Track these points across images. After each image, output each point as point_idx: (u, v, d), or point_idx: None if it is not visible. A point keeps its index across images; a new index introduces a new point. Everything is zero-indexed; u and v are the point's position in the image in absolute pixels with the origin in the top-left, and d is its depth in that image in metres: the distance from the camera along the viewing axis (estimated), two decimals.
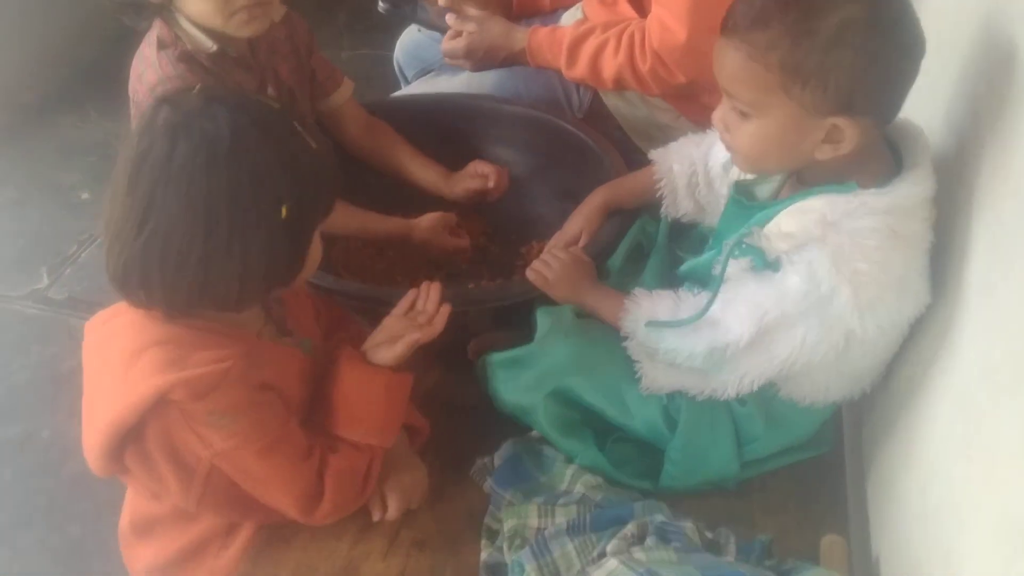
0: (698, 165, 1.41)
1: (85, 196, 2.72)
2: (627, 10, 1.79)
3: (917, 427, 1.18)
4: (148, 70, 1.41)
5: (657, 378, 1.26)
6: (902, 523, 1.18)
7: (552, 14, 2.02)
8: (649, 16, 1.63)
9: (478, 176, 1.72)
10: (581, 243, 1.47)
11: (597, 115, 1.87)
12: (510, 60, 1.81)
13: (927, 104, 1.37)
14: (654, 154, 1.47)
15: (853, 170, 1.12)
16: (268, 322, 1.21)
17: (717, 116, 1.15)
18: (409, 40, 2.09)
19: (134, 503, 1.26)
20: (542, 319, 1.36)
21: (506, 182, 1.73)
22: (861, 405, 1.43)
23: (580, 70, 1.70)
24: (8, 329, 2.29)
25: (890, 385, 1.30)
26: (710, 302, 1.17)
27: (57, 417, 2.02)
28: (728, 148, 1.18)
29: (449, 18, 1.80)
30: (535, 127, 1.73)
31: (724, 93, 1.13)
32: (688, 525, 1.17)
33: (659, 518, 1.18)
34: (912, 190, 1.10)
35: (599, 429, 1.33)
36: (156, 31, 1.42)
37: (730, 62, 1.09)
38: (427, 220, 1.62)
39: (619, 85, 1.70)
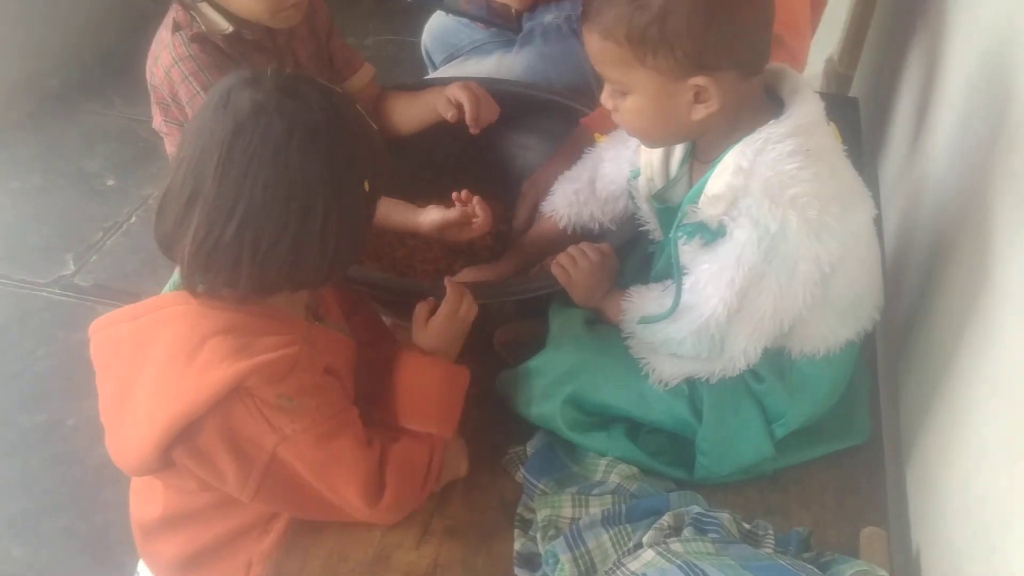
0: (588, 198, 1.45)
1: (110, 183, 2.72)
2: None
3: (958, 418, 1.17)
4: (163, 52, 1.41)
5: (664, 370, 1.26)
6: (943, 516, 1.16)
7: None
8: None
9: (451, 106, 1.57)
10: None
11: None
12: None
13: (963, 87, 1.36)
14: (544, 207, 1.50)
15: (741, 127, 1.14)
16: (305, 308, 1.21)
17: (605, 98, 1.18)
18: (437, 25, 2.07)
19: (168, 497, 1.24)
20: (552, 322, 1.37)
21: (490, 111, 1.58)
22: (899, 394, 1.42)
23: None
24: (34, 316, 2.30)
25: (930, 375, 1.28)
26: (677, 291, 1.19)
27: (83, 404, 2.02)
28: (622, 126, 1.22)
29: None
30: (560, 114, 1.71)
31: (601, 76, 1.16)
32: (725, 516, 1.16)
33: (695, 509, 1.17)
34: (803, 109, 1.13)
35: (630, 423, 1.31)
36: (172, 14, 1.42)
37: (591, 45, 1.13)
38: (428, 222, 1.49)
39: None
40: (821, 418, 1.30)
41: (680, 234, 1.17)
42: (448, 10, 1.91)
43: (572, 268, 1.34)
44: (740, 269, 1.12)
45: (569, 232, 1.47)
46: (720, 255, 1.13)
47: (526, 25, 1.97)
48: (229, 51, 1.42)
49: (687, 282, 1.18)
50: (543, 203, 1.51)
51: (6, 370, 2.17)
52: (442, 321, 1.28)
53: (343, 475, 1.14)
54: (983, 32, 1.32)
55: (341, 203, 1.05)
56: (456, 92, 1.56)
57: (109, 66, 3.08)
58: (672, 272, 1.21)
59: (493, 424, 1.36)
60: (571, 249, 1.36)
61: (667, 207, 1.28)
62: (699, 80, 1.09)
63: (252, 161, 1.01)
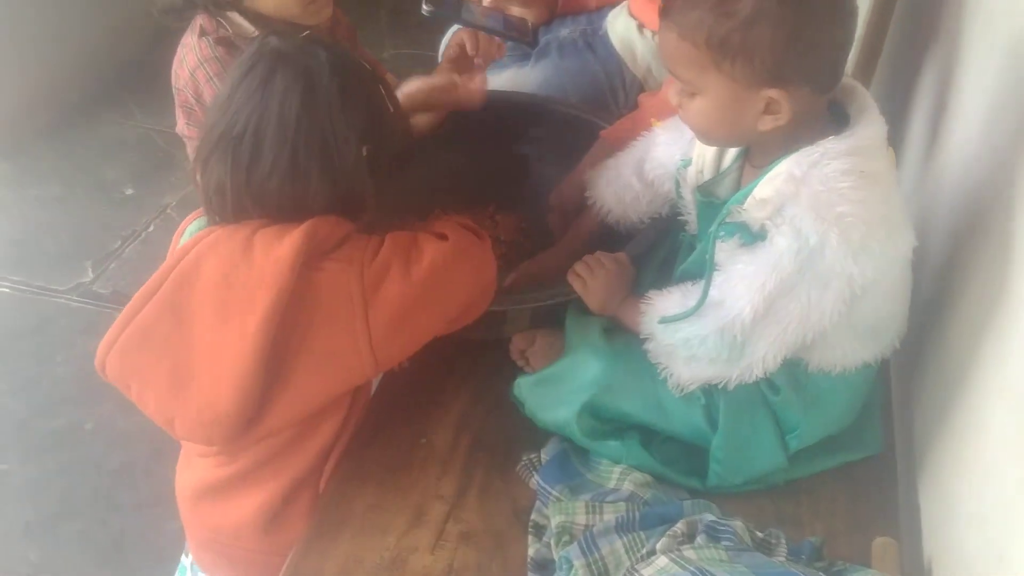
0: (631, 180, 1.46)
1: (129, 192, 2.75)
2: None
3: (970, 428, 1.17)
4: (189, 55, 1.45)
5: (682, 374, 1.26)
6: (955, 526, 1.17)
7: (597, 12, 2.02)
8: None
9: (457, 47, 1.63)
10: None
11: None
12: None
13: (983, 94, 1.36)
14: (588, 179, 1.52)
15: (802, 138, 1.14)
16: None
17: (672, 94, 1.19)
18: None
19: (234, 456, 1.27)
20: (570, 331, 1.37)
21: (495, 48, 1.64)
22: (912, 405, 1.42)
23: None
24: (53, 322, 2.32)
25: (944, 385, 1.29)
26: (706, 285, 1.19)
27: (101, 409, 2.05)
28: (685, 123, 1.22)
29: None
30: (576, 127, 1.72)
31: (670, 74, 1.17)
32: (738, 524, 1.16)
33: (709, 517, 1.17)
34: (866, 131, 1.13)
35: (645, 431, 1.32)
36: (198, 20, 1.46)
37: (666, 43, 1.13)
38: (412, 90, 1.56)
39: None
40: None
41: (720, 231, 1.17)
42: (465, 23, 1.92)
43: (588, 276, 1.35)
44: (774, 275, 1.12)
45: (603, 216, 1.49)
46: (757, 258, 1.14)
47: (543, 39, 1.99)
48: None
49: (717, 278, 1.18)
50: (587, 183, 1.52)
51: (25, 376, 2.20)
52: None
53: (429, 248, 1.20)
54: (1001, 45, 1.32)
55: (332, 154, 1.15)
56: (457, 35, 1.62)
57: (129, 77, 3.12)
58: (700, 270, 1.22)
59: (507, 431, 1.37)
60: (587, 258, 1.37)
61: (710, 201, 1.28)
62: (773, 93, 1.10)
63: (255, 93, 1.13)
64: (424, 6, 1.80)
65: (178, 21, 1.47)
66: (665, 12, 1.12)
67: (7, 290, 2.42)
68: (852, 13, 1.12)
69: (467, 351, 1.45)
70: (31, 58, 2.93)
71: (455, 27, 2.08)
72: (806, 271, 1.11)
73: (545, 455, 1.33)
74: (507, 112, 1.76)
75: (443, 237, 1.23)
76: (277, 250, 1.11)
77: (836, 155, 1.10)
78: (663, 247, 1.45)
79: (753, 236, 1.15)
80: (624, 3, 1.97)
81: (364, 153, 1.17)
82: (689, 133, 1.34)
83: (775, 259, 1.12)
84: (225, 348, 1.11)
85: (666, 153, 1.42)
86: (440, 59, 2.11)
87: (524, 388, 1.36)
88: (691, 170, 1.33)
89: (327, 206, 1.17)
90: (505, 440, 1.36)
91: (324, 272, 1.14)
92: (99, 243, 2.55)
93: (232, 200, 1.16)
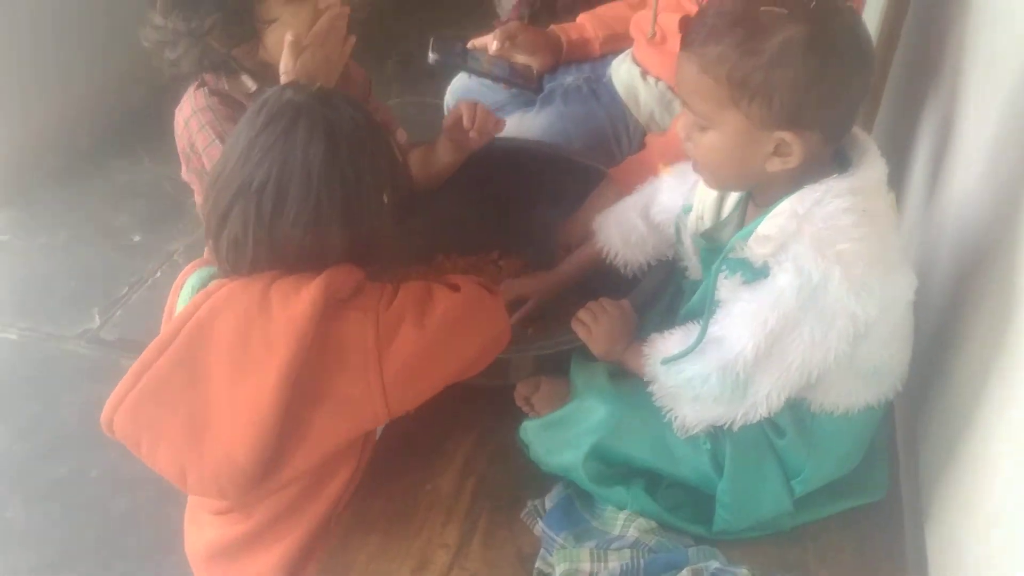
0: (637, 222, 1.47)
1: (136, 239, 2.77)
2: (676, 48, 1.81)
3: (976, 472, 1.17)
4: (185, 104, 1.49)
5: (687, 416, 1.25)
6: (962, 570, 1.16)
7: (601, 59, 2.04)
8: None
9: (456, 120, 1.63)
10: (521, 313, 1.56)
11: None
12: None
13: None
14: (595, 221, 1.53)
15: (805, 181, 1.14)
16: None
17: (681, 126, 1.19)
18: (460, 86, 2.11)
19: (250, 510, 1.27)
20: (575, 376, 1.38)
21: (492, 124, 1.64)
22: (918, 449, 1.41)
23: None
24: (60, 368, 2.33)
25: (948, 428, 1.28)
26: (705, 322, 1.19)
27: (106, 455, 2.04)
28: (691, 158, 1.22)
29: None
30: (579, 173, 1.73)
31: (683, 105, 1.17)
32: (744, 572, 1.16)
33: (714, 564, 1.17)
34: (868, 172, 1.14)
35: (650, 477, 1.32)
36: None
37: (685, 74, 1.14)
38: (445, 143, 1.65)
39: None
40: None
41: (723, 267, 1.17)
42: (472, 71, 1.94)
43: (592, 323, 1.36)
44: (776, 312, 1.12)
45: (610, 259, 1.50)
46: (759, 295, 1.14)
47: (547, 86, 2.01)
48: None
49: (719, 316, 1.18)
50: (594, 225, 1.53)
51: (31, 421, 2.20)
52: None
53: (442, 298, 1.20)
54: (1004, 87, 1.33)
55: (354, 203, 1.17)
56: (456, 107, 1.63)
57: (138, 124, 3.15)
58: (703, 310, 1.22)
59: (512, 477, 1.37)
60: (591, 305, 1.38)
61: (710, 249, 1.29)
62: (786, 135, 1.10)
63: (275, 143, 1.14)
64: (430, 54, 1.82)
65: (188, 77, 1.50)
66: (688, 43, 1.12)
67: (15, 337, 2.43)
68: (871, 65, 1.13)
69: (471, 397, 1.45)
70: (41, 104, 2.97)
71: (459, 76, 2.12)
72: (809, 308, 1.11)
73: (549, 501, 1.32)
74: (511, 158, 1.78)
75: (455, 288, 1.24)
76: (296, 305, 1.12)
77: (838, 193, 1.11)
78: (667, 292, 1.46)
79: (755, 273, 1.15)
80: (628, 50, 1.99)
81: (385, 200, 1.20)
82: (692, 178, 1.34)
83: (777, 296, 1.12)
84: (243, 401, 1.12)
85: (671, 198, 1.43)
86: (445, 110, 2.15)
87: (531, 431, 1.36)
88: (692, 216, 1.34)
89: (344, 254, 1.19)
90: (509, 486, 1.36)
91: (339, 320, 1.15)
92: (106, 289, 2.57)
93: (251, 252, 1.17)
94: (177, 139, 1.52)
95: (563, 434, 1.32)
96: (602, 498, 1.32)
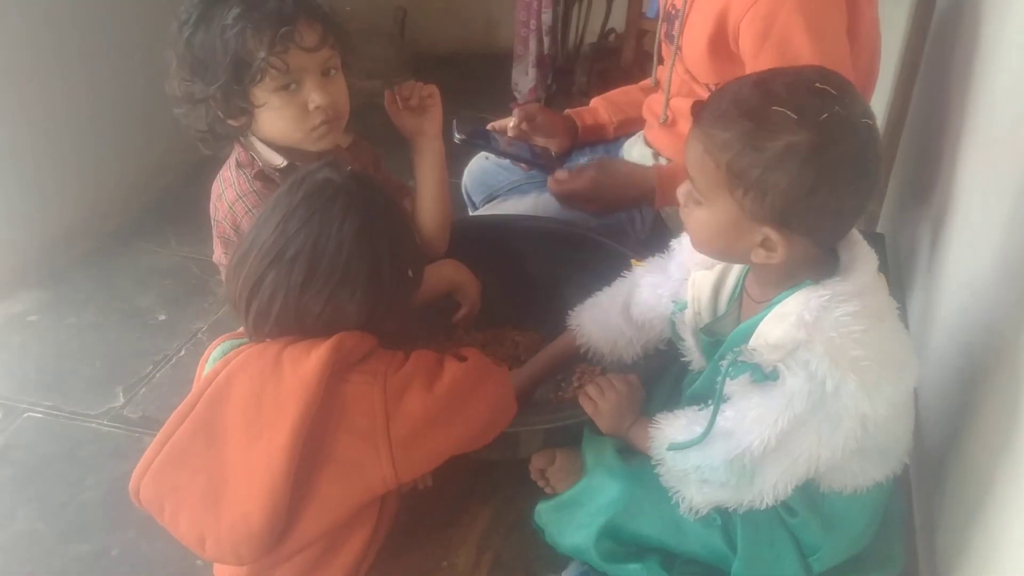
0: (622, 326, 1.48)
1: (161, 317, 2.80)
2: (687, 129, 1.85)
3: (996, 547, 1.16)
4: (228, 189, 1.51)
5: (694, 498, 1.26)
6: None
7: (615, 141, 2.09)
8: None
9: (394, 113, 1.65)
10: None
11: (659, 236, 1.91)
12: (638, 202, 1.85)
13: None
14: (571, 318, 1.55)
15: (797, 276, 1.16)
16: None
17: (680, 193, 1.20)
18: (476, 167, 2.16)
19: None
20: (586, 451, 1.39)
21: (419, 89, 1.64)
22: (935, 525, 1.41)
23: None
24: (83, 446, 2.35)
25: (966, 504, 1.28)
26: (713, 416, 1.19)
27: (127, 535, 2.05)
28: (684, 223, 1.23)
29: (561, 174, 1.84)
30: (595, 249, 1.76)
31: (687, 173, 1.18)
32: None
33: None
34: (866, 267, 1.15)
35: (665, 553, 1.32)
36: (235, 155, 1.52)
37: (691, 149, 1.15)
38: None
39: None
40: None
41: (730, 371, 1.17)
42: (494, 152, 1.99)
43: (599, 399, 1.37)
44: (786, 414, 1.12)
45: (600, 363, 1.51)
46: (770, 398, 1.14)
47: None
48: None
49: (727, 410, 1.19)
50: (570, 322, 1.54)
51: (54, 500, 2.21)
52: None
53: (451, 367, 1.24)
54: (1011, 171, 1.36)
55: (379, 276, 1.22)
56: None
57: (166, 207, 3.22)
58: (708, 393, 1.22)
59: (528, 551, 1.37)
60: (599, 380, 1.39)
61: (713, 342, 1.30)
62: (773, 233, 1.11)
63: (312, 217, 1.20)
64: (456, 135, 1.88)
65: (213, 149, 1.53)
66: (699, 120, 1.14)
67: (40, 415, 2.45)
68: (872, 188, 1.12)
69: (486, 471, 1.46)
70: (72, 189, 3.04)
71: (480, 154, 2.16)
72: (818, 411, 1.12)
73: None
74: (528, 234, 1.82)
75: (463, 359, 1.26)
76: (304, 365, 1.16)
77: (846, 297, 1.12)
78: (675, 365, 1.47)
79: (764, 376, 1.15)
80: (640, 132, 2.04)
81: (410, 275, 1.27)
82: (676, 275, 1.36)
83: (788, 400, 1.12)
84: (256, 463, 1.14)
85: (653, 295, 1.43)
86: (463, 192, 2.20)
87: (544, 515, 1.37)
88: (688, 313, 1.34)
89: (361, 323, 1.23)
90: (526, 561, 1.36)
91: (349, 384, 1.18)
92: (131, 368, 2.59)
93: (276, 317, 1.22)
94: (216, 223, 1.54)
95: (574, 515, 1.33)
96: (617, 575, 1.31)
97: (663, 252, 1.46)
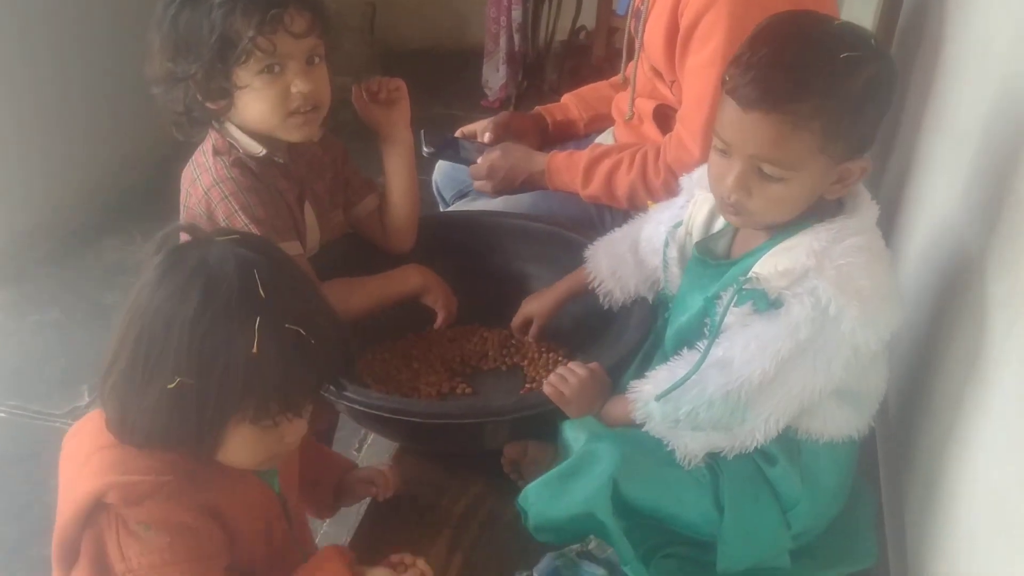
0: (626, 255, 1.52)
1: None
2: (651, 130, 1.87)
3: (959, 539, 1.17)
4: (204, 175, 1.48)
5: (688, 445, 1.26)
6: None
7: (585, 138, 2.09)
8: (670, 133, 1.76)
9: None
10: (533, 331, 1.65)
11: None
12: (529, 182, 1.94)
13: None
14: (588, 249, 1.59)
15: (806, 214, 1.20)
16: None
17: (734, 183, 1.18)
18: (447, 164, 2.16)
19: None
20: (573, 432, 1.35)
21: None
22: (904, 515, 1.42)
23: (594, 188, 1.84)
24: (48, 447, 2.29)
25: (934, 492, 1.29)
26: (709, 345, 1.20)
27: None
28: (738, 210, 1.21)
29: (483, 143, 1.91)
30: (564, 244, 1.76)
31: (750, 161, 1.16)
32: None
33: None
34: (869, 212, 1.21)
35: (648, 545, 1.31)
36: (211, 141, 1.50)
37: (765, 131, 1.14)
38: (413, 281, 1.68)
39: (632, 201, 1.81)
40: (828, 539, 1.31)
41: (735, 299, 1.19)
42: (463, 162, 2.02)
43: (563, 385, 1.37)
44: (790, 341, 1.15)
45: (594, 286, 1.56)
46: (772, 325, 1.17)
47: None
48: (261, 174, 1.50)
49: (724, 341, 1.20)
50: (586, 252, 1.58)
51: (20, 501, 2.19)
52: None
53: None
54: (980, 167, 1.38)
55: (211, 403, 1.03)
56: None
57: (131, 204, 3.19)
58: (694, 334, 1.25)
59: (499, 548, 1.37)
60: (560, 369, 1.39)
61: (703, 260, 1.32)
62: (851, 165, 1.17)
63: (135, 315, 1.08)
64: (424, 148, 1.91)
65: (187, 134, 1.50)
66: (773, 103, 1.12)
67: (3, 415, 2.43)
68: None
69: (456, 470, 1.46)
70: (36, 188, 3.01)
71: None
72: (817, 338, 1.15)
73: (537, 573, 1.32)
74: (497, 230, 1.83)
75: None
76: (87, 481, 1.09)
77: (853, 231, 1.17)
78: (639, 352, 1.48)
79: (768, 304, 1.18)
80: (610, 129, 2.05)
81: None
82: (680, 201, 1.40)
83: (793, 327, 1.15)
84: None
85: (655, 230, 1.47)
86: (433, 188, 2.19)
87: (532, 493, 1.31)
88: (681, 231, 1.38)
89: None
90: (497, 558, 1.36)
91: (109, 529, 1.09)
92: (96, 367, 2.57)
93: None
94: (187, 209, 1.51)
95: (569, 486, 1.30)
96: (619, 545, 1.29)
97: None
